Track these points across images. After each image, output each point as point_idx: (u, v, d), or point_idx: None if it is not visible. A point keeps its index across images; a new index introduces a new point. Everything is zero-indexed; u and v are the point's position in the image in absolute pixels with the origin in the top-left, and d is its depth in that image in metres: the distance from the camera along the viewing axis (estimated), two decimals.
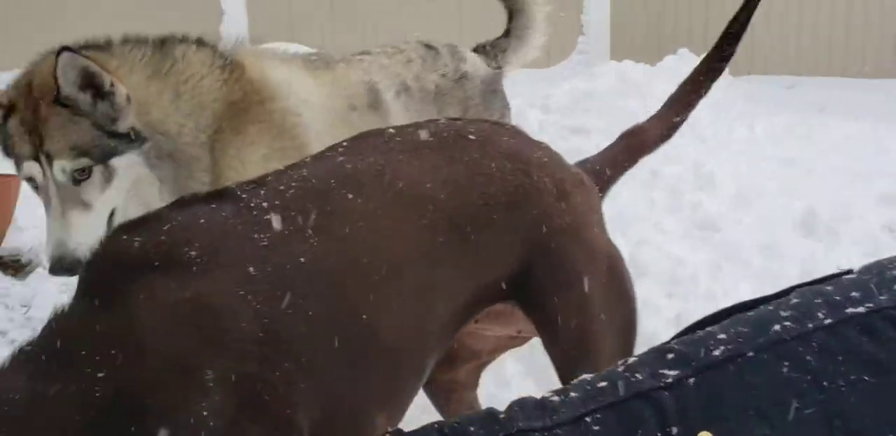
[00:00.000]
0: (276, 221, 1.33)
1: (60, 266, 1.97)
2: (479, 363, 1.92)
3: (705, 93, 1.86)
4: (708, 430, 0.91)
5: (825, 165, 4.69)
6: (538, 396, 1.04)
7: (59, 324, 1.23)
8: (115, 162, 2.03)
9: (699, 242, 3.49)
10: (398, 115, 2.43)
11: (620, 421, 0.94)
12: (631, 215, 3.57)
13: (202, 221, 1.33)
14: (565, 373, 1.53)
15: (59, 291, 3.28)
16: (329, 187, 1.41)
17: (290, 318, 1.27)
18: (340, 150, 1.53)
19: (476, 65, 2.79)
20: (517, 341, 1.82)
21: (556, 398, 1.01)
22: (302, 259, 1.32)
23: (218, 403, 1.18)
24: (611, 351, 1.54)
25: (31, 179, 2.08)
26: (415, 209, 1.43)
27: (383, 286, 1.36)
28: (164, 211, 1.37)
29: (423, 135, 1.55)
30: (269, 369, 1.23)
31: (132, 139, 2.04)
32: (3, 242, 3.46)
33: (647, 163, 4.33)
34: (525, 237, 1.51)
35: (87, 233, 1.98)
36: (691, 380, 0.95)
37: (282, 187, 1.40)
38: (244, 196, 1.38)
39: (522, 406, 1.01)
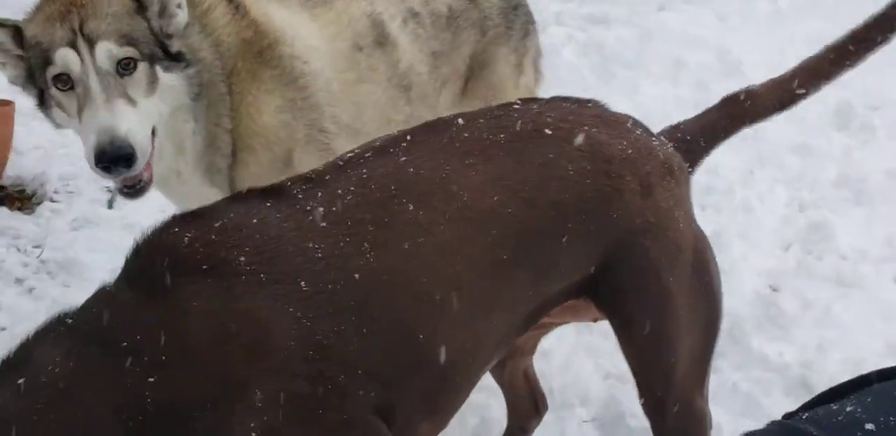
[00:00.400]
0: (332, 232, 1.26)
1: (111, 151, 1.70)
2: (539, 333, 1.85)
3: (852, 65, 1.58)
4: None
5: None
6: None
7: (104, 307, 1.22)
8: (162, 74, 1.83)
9: (729, 144, 3.34)
10: (407, 47, 2.23)
11: None
12: (657, 116, 3.39)
13: (255, 221, 1.27)
14: (641, 374, 1.48)
15: (71, 228, 3.17)
16: (390, 195, 1.31)
17: (343, 336, 1.22)
18: (404, 145, 1.39)
19: None
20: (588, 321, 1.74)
21: None
22: (357, 275, 1.24)
23: (266, 422, 1.16)
24: (690, 352, 1.46)
25: (59, 78, 1.79)
26: (480, 225, 1.32)
27: (441, 306, 1.28)
28: (220, 204, 1.34)
29: (495, 132, 1.40)
30: (321, 386, 1.20)
31: (179, 60, 1.85)
32: (4, 173, 3.31)
33: (670, 51, 4.11)
34: (603, 242, 1.40)
35: (137, 125, 1.76)
36: None
37: (340, 191, 1.31)
38: (300, 197, 1.30)
39: None
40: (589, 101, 1.57)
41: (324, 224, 1.26)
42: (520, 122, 1.42)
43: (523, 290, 1.37)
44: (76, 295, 2.72)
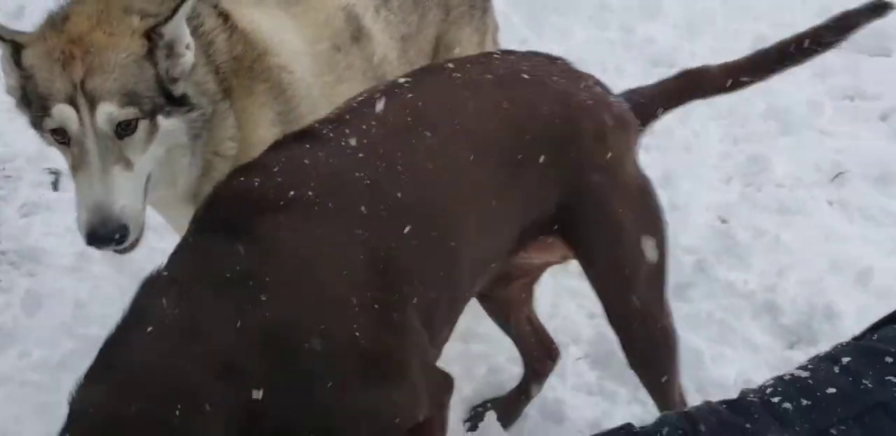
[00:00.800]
0: (370, 161, 1.44)
1: (103, 232, 1.68)
2: (530, 280, 1.98)
3: (789, 66, 1.79)
4: None
5: None
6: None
7: (194, 254, 1.36)
8: (162, 121, 1.76)
9: None
10: (379, 37, 2.22)
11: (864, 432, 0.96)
12: (591, 60, 3.51)
13: (307, 161, 1.43)
14: (605, 296, 1.72)
15: (21, 215, 3.11)
16: (408, 126, 1.50)
17: (399, 250, 1.40)
18: (407, 85, 1.58)
19: None
20: (561, 262, 1.89)
21: (787, 405, 1.00)
22: (399, 194, 1.43)
23: (361, 325, 1.32)
24: (643, 272, 1.69)
25: (55, 132, 1.72)
26: (482, 147, 1.53)
27: (463, 218, 1.49)
28: (269, 154, 1.49)
29: (482, 73, 1.61)
30: (390, 294, 1.37)
31: (182, 104, 1.79)
32: None
33: None
34: (567, 175, 1.61)
35: (131, 196, 1.71)
36: None
37: (364, 126, 1.48)
38: (332, 135, 1.47)
39: (743, 411, 1.00)
40: (559, 58, 1.77)
41: (361, 155, 1.44)
42: (502, 67, 1.64)
43: (514, 210, 1.58)
44: (48, 284, 2.75)
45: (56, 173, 3.38)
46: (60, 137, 1.73)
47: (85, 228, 1.71)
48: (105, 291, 2.71)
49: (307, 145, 1.46)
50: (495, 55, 1.73)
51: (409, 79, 1.60)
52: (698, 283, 2.47)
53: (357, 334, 1.30)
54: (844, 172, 2.98)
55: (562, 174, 1.60)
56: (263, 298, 1.26)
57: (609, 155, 1.63)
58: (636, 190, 1.70)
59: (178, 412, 1.17)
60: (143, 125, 1.74)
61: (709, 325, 2.34)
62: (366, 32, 2.17)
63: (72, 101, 1.68)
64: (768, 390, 1.02)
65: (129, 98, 1.70)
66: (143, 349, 1.24)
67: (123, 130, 1.71)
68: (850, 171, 2.98)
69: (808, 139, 3.21)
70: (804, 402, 0.99)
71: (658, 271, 1.72)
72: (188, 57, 1.78)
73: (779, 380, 1.04)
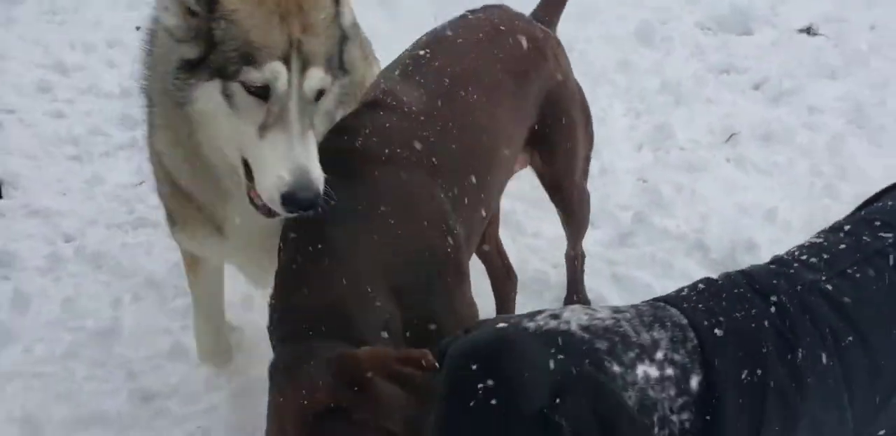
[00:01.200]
0: (429, 121, 1.81)
1: (302, 196, 1.59)
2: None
3: None
4: None
5: None
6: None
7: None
8: (334, 87, 1.74)
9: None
10: None
11: (875, 271, 1.33)
12: None
13: (388, 125, 1.77)
14: (557, 180, 2.23)
15: None
16: (446, 88, 1.88)
17: (458, 187, 1.78)
18: (429, 56, 1.94)
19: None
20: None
21: (813, 260, 1.34)
22: (454, 146, 1.82)
23: (448, 243, 1.71)
24: (583, 157, 2.27)
25: (248, 89, 1.63)
26: (496, 91, 1.96)
27: (494, 150, 1.91)
28: (353, 120, 1.81)
29: (475, 32, 2.04)
30: (456, 220, 1.75)
31: (344, 69, 1.76)
32: None
33: None
34: (543, 90, 2.06)
35: (317, 161, 1.67)
36: None
37: (415, 93, 1.84)
38: (394, 103, 1.82)
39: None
40: (501, 5, 2.21)
41: (422, 118, 1.80)
42: (484, 25, 2.07)
43: (520, 134, 2.01)
44: (29, 285, 2.84)
45: None
46: (257, 90, 1.64)
47: (284, 189, 1.61)
48: (88, 287, 2.84)
49: (381, 112, 1.78)
50: (471, 16, 2.14)
51: (427, 49, 1.96)
52: (638, 231, 2.86)
53: (448, 250, 1.66)
54: (736, 134, 3.45)
55: (540, 90, 2.05)
56: (386, 225, 1.60)
57: (561, 69, 2.13)
58: (578, 92, 2.22)
59: (353, 308, 1.51)
60: (331, 91, 1.73)
61: (653, 264, 2.73)
62: None
63: (286, 60, 1.62)
64: (796, 253, 1.39)
65: (329, 62, 1.69)
66: (319, 268, 1.55)
67: (319, 95, 1.69)
68: (739, 132, 3.45)
69: (699, 108, 3.67)
70: (824, 256, 1.36)
71: (588, 156, 2.32)
72: (349, 16, 1.76)
73: (801, 247, 1.41)
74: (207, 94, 1.68)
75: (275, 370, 1.44)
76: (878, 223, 1.40)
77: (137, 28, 5.02)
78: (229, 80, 1.65)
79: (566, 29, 4.34)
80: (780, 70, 3.86)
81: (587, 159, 2.32)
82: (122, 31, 4.95)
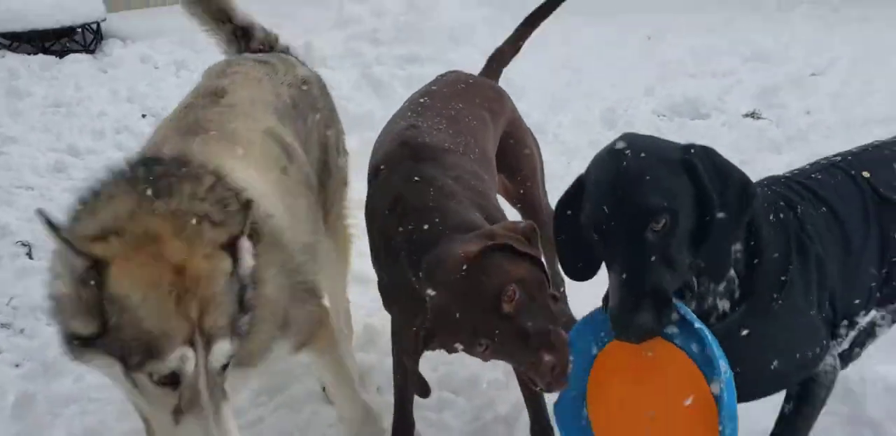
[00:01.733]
0: (448, 136, 2.31)
1: None
2: None
3: (537, 27, 2.96)
4: (867, 170, 1.98)
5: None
6: None
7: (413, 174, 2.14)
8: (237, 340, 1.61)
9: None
10: (296, 145, 2.27)
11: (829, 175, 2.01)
12: None
13: (420, 139, 2.25)
14: (523, 194, 2.69)
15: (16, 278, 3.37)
16: (451, 119, 2.40)
17: (476, 180, 2.22)
18: (429, 103, 2.47)
19: (304, 67, 2.66)
20: None
21: (791, 174, 2.05)
22: (477, 149, 2.38)
23: (496, 207, 2.21)
24: (539, 178, 2.74)
25: (156, 381, 1.52)
26: (482, 119, 2.51)
27: (489, 160, 2.45)
28: (394, 127, 2.37)
29: (453, 88, 2.59)
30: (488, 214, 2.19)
31: (246, 311, 1.64)
32: None
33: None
34: (504, 126, 2.63)
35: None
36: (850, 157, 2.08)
37: (434, 121, 2.36)
38: (425, 126, 2.32)
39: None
40: (458, 70, 2.81)
41: (445, 135, 2.32)
42: (457, 81, 2.65)
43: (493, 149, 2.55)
44: None
45: (27, 245, 3.68)
46: (163, 379, 1.52)
47: None
48: None
49: (422, 128, 2.32)
50: (445, 77, 2.72)
51: (424, 98, 2.50)
52: None
53: (496, 212, 2.17)
54: None
55: (504, 123, 2.62)
56: (459, 193, 2.12)
57: (515, 111, 2.75)
58: (528, 129, 2.79)
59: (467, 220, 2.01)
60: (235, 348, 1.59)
61: None
62: (289, 145, 2.21)
63: (191, 342, 1.49)
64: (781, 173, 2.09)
65: (231, 328, 1.56)
66: (439, 204, 2.05)
67: (227, 362, 1.58)
68: None
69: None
70: (796, 171, 2.09)
71: (542, 173, 2.81)
72: (249, 260, 1.63)
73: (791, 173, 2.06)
74: (111, 373, 1.57)
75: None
76: (835, 157, 2.11)
77: (143, 116, 5.45)
78: (133, 371, 1.53)
79: (541, 116, 4.94)
80: (731, 146, 4.36)
81: (542, 180, 2.83)
82: (128, 119, 5.35)
